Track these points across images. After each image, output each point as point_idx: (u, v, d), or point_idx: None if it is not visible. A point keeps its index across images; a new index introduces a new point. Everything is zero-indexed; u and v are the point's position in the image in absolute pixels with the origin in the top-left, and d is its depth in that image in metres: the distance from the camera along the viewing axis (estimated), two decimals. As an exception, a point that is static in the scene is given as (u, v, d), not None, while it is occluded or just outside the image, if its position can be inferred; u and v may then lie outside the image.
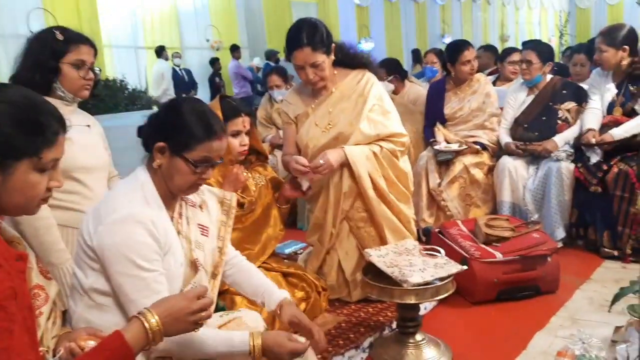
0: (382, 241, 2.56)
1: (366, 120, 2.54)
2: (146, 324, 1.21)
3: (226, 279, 1.79)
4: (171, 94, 8.83)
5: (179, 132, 1.50)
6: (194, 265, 1.57)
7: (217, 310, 1.69)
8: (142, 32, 9.63)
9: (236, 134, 2.37)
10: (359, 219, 2.59)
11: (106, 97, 6.37)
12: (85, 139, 2.03)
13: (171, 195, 1.58)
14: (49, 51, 1.95)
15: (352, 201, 2.57)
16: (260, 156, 2.62)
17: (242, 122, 2.38)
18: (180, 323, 1.27)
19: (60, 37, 1.96)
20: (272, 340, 1.49)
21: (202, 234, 1.65)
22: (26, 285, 1.17)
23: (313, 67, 2.48)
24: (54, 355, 1.23)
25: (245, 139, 2.41)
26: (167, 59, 9.23)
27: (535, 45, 3.73)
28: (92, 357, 1.15)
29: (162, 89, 8.86)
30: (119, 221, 1.42)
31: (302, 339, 1.55)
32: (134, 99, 7.19)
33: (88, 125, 2.13)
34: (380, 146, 2.55)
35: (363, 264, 2.42)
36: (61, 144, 1.19)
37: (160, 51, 9.17)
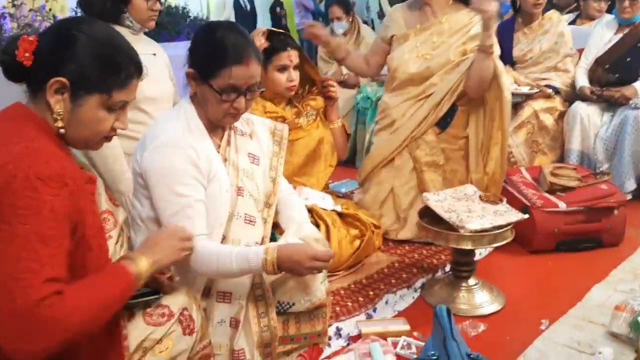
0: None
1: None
2: (140, 266, 1.22)
3: None
4: (233, 23, 8.77)
5: (203, 58, 1.50)
6: (239, 192, 1.59)
7: (272, 240, 1.72)
8: (205, -43, 9.50)
9: (282, 69, 2.31)
10: (424, 163, 2.57)
11: (168, 25, 6.38)
12: (151, 69, 2.02)
13: (215, 124, 1.58)
14: None
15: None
16: (312, 87, 2.55)
17: (288, 57, 2.30)
18: (165, 249, 1.31)
19: None
20: (291, 249, 1.46)
21: (252, 163, 1.67)
22: (96, 206, 1.24)
23: None
24: None
25: (293, 74, 2.34)
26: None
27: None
28: (104, 282, 1.15)
29: (223, 18, 8.79)
30: (160, 147, 1.46)
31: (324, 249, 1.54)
32: (195, 28, 7.18)
33: (154, 54, 2.14)
34: None
35: (417, 205, 2.43)
36: (133, 88, 1.23)
37: (223, -22, 9.03)
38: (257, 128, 1.74)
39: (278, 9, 9.89)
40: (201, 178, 1.48)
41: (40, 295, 0.99)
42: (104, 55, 1.16)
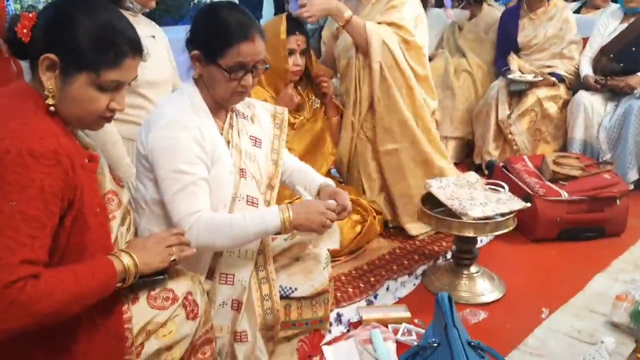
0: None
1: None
2: (124, 260, 1.19)
3: (284, 182, 1.80)
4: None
5: (208, 39, 1.49)
6: (242, 174, 1.59)
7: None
8: (209, -61, 9.40)
9: (289, 53, 2.34)
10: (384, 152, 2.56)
11: (172, 8, 6.35)
12: (151, 52, 1.94)
13: (219, 106, 1.58)
14: None
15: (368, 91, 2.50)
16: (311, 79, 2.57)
17: (295, 41, 2.34)
18: (154, 256, 1.26)
19: None
20: (302, 206, 1.52)
21: (254, 145, 1.67)
22: (96, 184, 1.23)
23: None
24: None
25: (299, 59, 2.39)
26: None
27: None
28: (81, 269, 1.12)
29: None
30: (165, 126, 1.46)
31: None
32: (199, 11, 7.15)
33: (153, 36, 2.08)
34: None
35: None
36: (127, 68, 1.20)
37: (227, -38, 8.94)
38: (258, 111, 1.74)
39: (281, -6, 9.82)
40: (205, 158, 1.48)
41: (12, 277, 0.98)
42: (95, 34, 1.15)
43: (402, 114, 2.46)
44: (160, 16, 5.82)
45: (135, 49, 1.21)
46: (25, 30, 1.13)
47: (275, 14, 9.22)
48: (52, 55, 1.12)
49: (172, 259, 1.30)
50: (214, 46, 1.48)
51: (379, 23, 2.44)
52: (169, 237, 1.32)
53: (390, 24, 2.43)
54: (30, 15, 1.14)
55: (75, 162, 1.12)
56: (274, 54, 2.29)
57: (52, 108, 1.15)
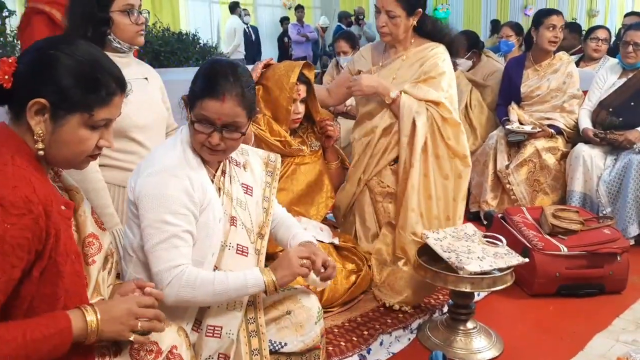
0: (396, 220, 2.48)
1: (413, 84, 2.47)
2: (88, 317, 1.12)
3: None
4: (242, 51, 8.88)
5: (191, 87, 1.52)
6: (233, 222, 1.57)
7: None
8: (216, -15, 9.68)
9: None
10: (379, 192, 2.54)
11: (178, 51, 6.45)
12: (142, 94, 1.93)
13: None
14: (95, 2, 1.85)
15: (379, 159, 2.51)
16: (313, 124, 2.58)
17: (296, 90, 2.36)
18: (117, 325, 1.16)
19: None
20: (279, 260, 1.52)
21: (245, 193, 1.65)
22: (71, 231, 1.19)
23: (387, 16, 2.42)
24: None
25: (300, 107, 2.42)
26: (240, 15, 9.24)
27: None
28: (34, 326, 1.06)
29: (233, 46, 8.91)
30: (154, 173, 1.45)
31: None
32: (204, 54, 7.25)
33: (145, 78, 2.05)
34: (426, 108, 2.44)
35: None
36: (116, 105, 1.20)
37: (234, 7, 9.19)
38: (251, 158, 1.73)
39: (286, 39, 10.04)
40: (193, 208, 1.45)
41: None
42: (83, 74, 1.14)
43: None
44: (167, 58, 5.90)
45: (123, 85, 1.21)
46: (6, 77, 1.10)
47: (280, 57, 9.41)
48: (42, 100, 1.10)
49: (136, 332, 1.19)
50: (191, 95, 1.51)
51: (419, 99, 2.43)
52: (141, 311, 1.21)
53: (428, 102, 2.42)
54: (10, 60, 1.12)
55: (52, 209, 1.09)
56: (280, 92, 2.34)
57: (40, 152, 1.13)
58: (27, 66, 1.13)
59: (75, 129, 1.14)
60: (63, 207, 1.17)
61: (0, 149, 1.10)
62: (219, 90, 1.45)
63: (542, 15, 3.56)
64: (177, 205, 1.42)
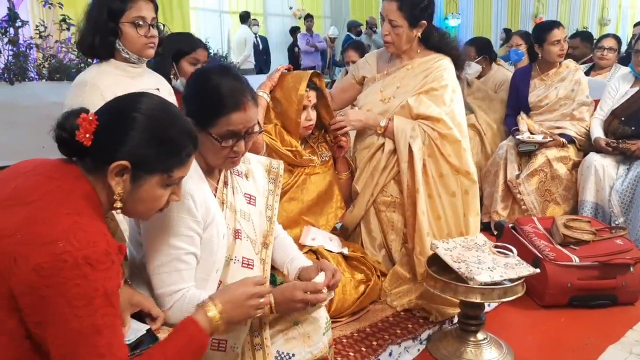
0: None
1: (416, 96, 2.45)
2: (210, 313, 1.24)
3: None
4: (252, 61, 8.93)
5: (199, 108, 1.46)
6: (237, 235, 1.56)
7: (272, 282, 1.69)
8: (227, -5, 9.75)
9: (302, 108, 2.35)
10: (382, 202, 2.53)
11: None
12: None
13: (212, 167, 1.56)
14: (107, 12, 1.88)
15: (387, 177, 2.48)
16: (326, 133, 2.58)
17: (307, 97, 2.35)
18: (241, 308, 1.30)
19: None
20: (282, 288, 1.49)
21: (248, 203, 1.64)
22: (121, 275, 1.21)
23: (390, 25, 2.41)
24: None
25: (311, 114, 2.40)
26: (250, 25, 9.29)
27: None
28: (170, 344, 1.15)
29: (243, 56, 8.96)
30: None
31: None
32: (215, 63, 7.31)
33: (157, 89, 2.06)
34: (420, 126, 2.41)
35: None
36: (190, 164, 1.24)
37: (245, 17, 9.24)
38: (253, 166, 1.72)
39: (296, 49, 10.08)
40: (197, 227, 1.44)
41: None
42: (164, 137, 1.16)
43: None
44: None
45: (196, 142, 1.24)
46: (87, 135, 1.11)
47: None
48: (125, 162, 1.11)
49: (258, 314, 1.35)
50: (204, 115, 1.45)
51: (418, 115, 2.41)
52: (257, 288, 1.34)
53: (427, 118, 2.39)
54: (90, 117, 1.11)
55: (118, 254, 1.10)
56: (289, 105, 2.34)
57: (119, 211, 1.17)
58: (108, 126, 1.13)
59: (154, 188, 1.18)
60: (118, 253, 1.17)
61: (72, 194, 1.10)
62: (239, 101, 1.44)
63: (543, 31, 3.53)
64: (180, 227, 1.41)
